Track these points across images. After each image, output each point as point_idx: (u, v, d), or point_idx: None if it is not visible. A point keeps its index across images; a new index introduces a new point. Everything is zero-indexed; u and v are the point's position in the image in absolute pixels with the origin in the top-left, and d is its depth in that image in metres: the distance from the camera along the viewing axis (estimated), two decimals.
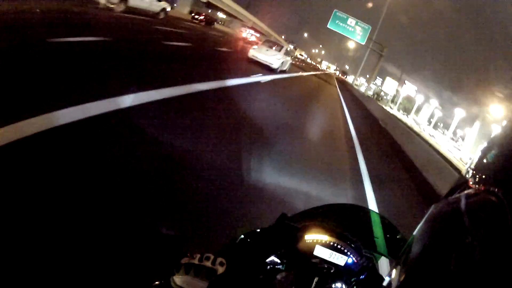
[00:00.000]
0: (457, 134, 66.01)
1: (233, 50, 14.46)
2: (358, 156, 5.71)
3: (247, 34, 24.56)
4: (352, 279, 0.68)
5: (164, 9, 13.08)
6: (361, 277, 0.68)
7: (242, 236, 0.70)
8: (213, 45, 13.22)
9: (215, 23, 26.07)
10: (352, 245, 0.69)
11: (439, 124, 75.19)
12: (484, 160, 0.40)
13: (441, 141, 47.85)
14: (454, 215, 0.33)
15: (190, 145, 2.90)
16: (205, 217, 2.01)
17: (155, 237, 1.60)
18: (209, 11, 36.18)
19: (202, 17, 24.87)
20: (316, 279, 0.65)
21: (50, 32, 4.53)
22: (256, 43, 15.39)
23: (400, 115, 61.94)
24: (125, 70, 4.30)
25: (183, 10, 27.73)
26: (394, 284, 0.35)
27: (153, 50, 6.58)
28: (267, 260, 0.67)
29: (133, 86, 3.48)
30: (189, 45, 9.57)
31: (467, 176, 0.39)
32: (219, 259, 0.56)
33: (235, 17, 41.23)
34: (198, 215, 2.00)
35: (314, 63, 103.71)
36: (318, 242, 0.69)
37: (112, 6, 9.30)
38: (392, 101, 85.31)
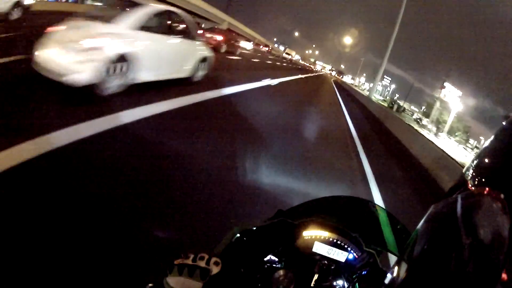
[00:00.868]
0: None
1: None
2: None
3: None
4: (354, 275, 0.66)
5: (18, 3, 7.85)
6: (363, 272, 0.67)
7: (238, 234, 0.68)
8: None
9: None
10: (352, 240, 0.67)
11: None
12: (483, 161, 0.41)
13: None
14: (454, 215, 0.33)
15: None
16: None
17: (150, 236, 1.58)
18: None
19: None
20: (315, 277, 0.64)
21: None
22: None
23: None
24: None
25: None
26: (396, 281, 0.35)
27: None
28: (265, 259, 0.65)
29: None
30: None
31: (466, 176, 0.40)
32: (213, 259, 0.55)
33: (199, 16, 33.64)
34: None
35: (308, 64, 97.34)
36: (317, 238, 0.67)
37: None
38: (424, 119, 60.76)
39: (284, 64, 32.93)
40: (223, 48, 14.79)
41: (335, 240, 0.67)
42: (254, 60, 19.22)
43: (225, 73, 8.74)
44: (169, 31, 4.79)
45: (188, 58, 5.46)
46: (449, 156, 6.09)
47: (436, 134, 53.86)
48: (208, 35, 13.60)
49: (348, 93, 27.58)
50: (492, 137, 0.43)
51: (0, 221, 1.50)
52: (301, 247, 0.67)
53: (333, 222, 0.69)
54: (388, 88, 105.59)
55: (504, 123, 0.42)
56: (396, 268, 0.36)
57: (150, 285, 0.54)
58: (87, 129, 2.69)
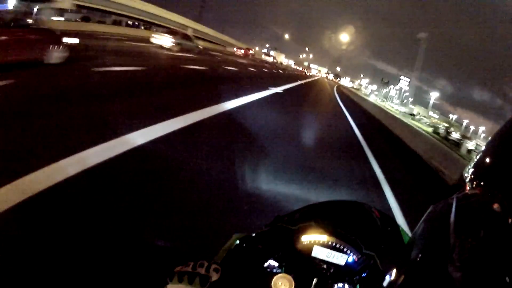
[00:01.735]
0: None
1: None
2: None
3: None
4: (354, 278, 0.67)
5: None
6: (362, 275, 0.67)
7: (237, 241, 0.68)
8: None
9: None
10: (352, 243, 0.68)
11: None
12: (482, 162, 0.41)
13: None
14: (453, 216, 0.33)
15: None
16: None
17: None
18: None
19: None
20: (315, 280, 0.64)
21: None
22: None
23: None
24: None
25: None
26: (395, 283, 0.35)
27: None
28: (265, 264, 0.66)
29: None
30: None
31: (465, 177, 0.40)
32: (213, 266, 0.55)
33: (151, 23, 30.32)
34: None
35: (301, 69, 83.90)
36: (316, 242, 0.67)
37: None
38: None
39: (264, 71, 24.49)
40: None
41: (334, 244, 0.67)
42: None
43: None
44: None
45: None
46: None
47: None
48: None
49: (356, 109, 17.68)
50: (491, 139, 0.43)
51: None
52: (300, 252, 0.67)
53: (332, 225, 0.69)
54: (405, 92, 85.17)
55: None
56: (394, 270, 0.36)
57: None
58: None
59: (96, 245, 1.75)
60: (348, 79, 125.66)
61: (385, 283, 0.38)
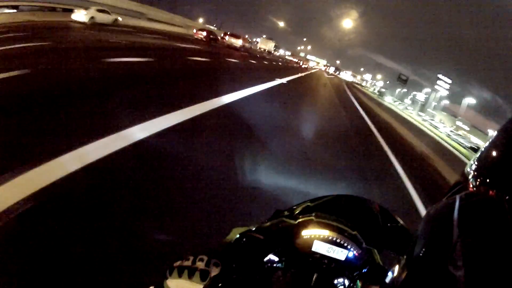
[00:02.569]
0: None
1: None
2: None
3: None
4: (354, 273, 0.67)
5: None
6: (363, 270, 0.67)
7: (237, 236, 0.68)
8: None
9: None
10: (352, 238, 0.67)
11: None
12: (484, 161, 0.41)
13: None
14: (454, 215, 0.33)
15: None
16: None
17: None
18: None
19: None
20: (315, 276, 0.64)
21: None
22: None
23: None
24: None
25: None
26: (397, 280, 0.35)
27: None
28: (265, 259, 0.66)
29: None
30: None
31: (467, 176, 0.40)
32: (213, 260, 0.55)
33: None
34: None
35: (297, 60, 67.61)
36: (316, 237, 0.67)
37: None
38: None
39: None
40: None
41: (334, 239, 0.67)
42: None
43: None
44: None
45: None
46: None
47: None
48: None
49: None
50: (493, 137, 0.43)
51: None
52: (300, 247, 0.67)
53: (332, 220, 0.69)
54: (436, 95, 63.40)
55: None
56: (396, 267, 0.37)
57: (150, 287, 0.54)
58: None
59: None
60: (349, 73, 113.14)
61: (387, 279, 0.39)
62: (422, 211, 4.41)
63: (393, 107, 33.72)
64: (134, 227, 2.01)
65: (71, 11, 15.29)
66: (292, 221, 0.70)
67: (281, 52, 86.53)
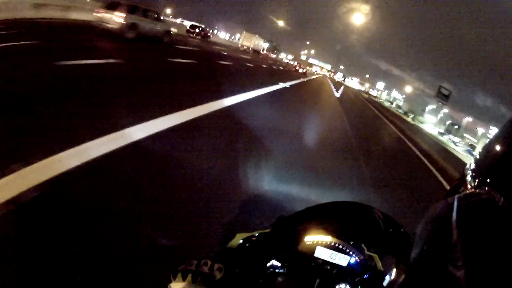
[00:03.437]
0: None
1: None
2: None
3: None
4: (356, 279, 0.67)
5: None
6: (364, 276, 0.67)
7: (241, 241, 0.68)
8: None
9: None
10: (354, 244, 0.68)
11: None
12: (483, 161, 0.41)
13: None
14: (454, 216, 0.33)
15: None
16: None
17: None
18: None
19: None
20: (317, 281, 0.65)
21: None
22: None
23: None
24: None
25: None
26: (396, 282, 0.36)
27: None
28: (268, 264, 0.66)
29: None
30: None
31: (466, 177, 0.40)
32: (216, 265, 0.55)
33: None
34: None
35: (295, 64, 43.88)
36: (319, 243, 0.68)
37: None
38: None
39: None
40: None
41: (336, 245, 0.68)
42: None
43: None
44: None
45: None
46: None
47: None
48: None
49: None
50: (492, 137, 0.43)
51: None
52: (303, 252, 0.68)
53: (335, 227, 0.70)
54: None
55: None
56: (395, 270, 0.37)
57: None
58: None
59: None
60: (355, 80, 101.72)
61: (385, 283, 0.39)
62: None
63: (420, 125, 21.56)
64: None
65: None
66: (295, 227, 0.70)
67: (282, 55, 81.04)
